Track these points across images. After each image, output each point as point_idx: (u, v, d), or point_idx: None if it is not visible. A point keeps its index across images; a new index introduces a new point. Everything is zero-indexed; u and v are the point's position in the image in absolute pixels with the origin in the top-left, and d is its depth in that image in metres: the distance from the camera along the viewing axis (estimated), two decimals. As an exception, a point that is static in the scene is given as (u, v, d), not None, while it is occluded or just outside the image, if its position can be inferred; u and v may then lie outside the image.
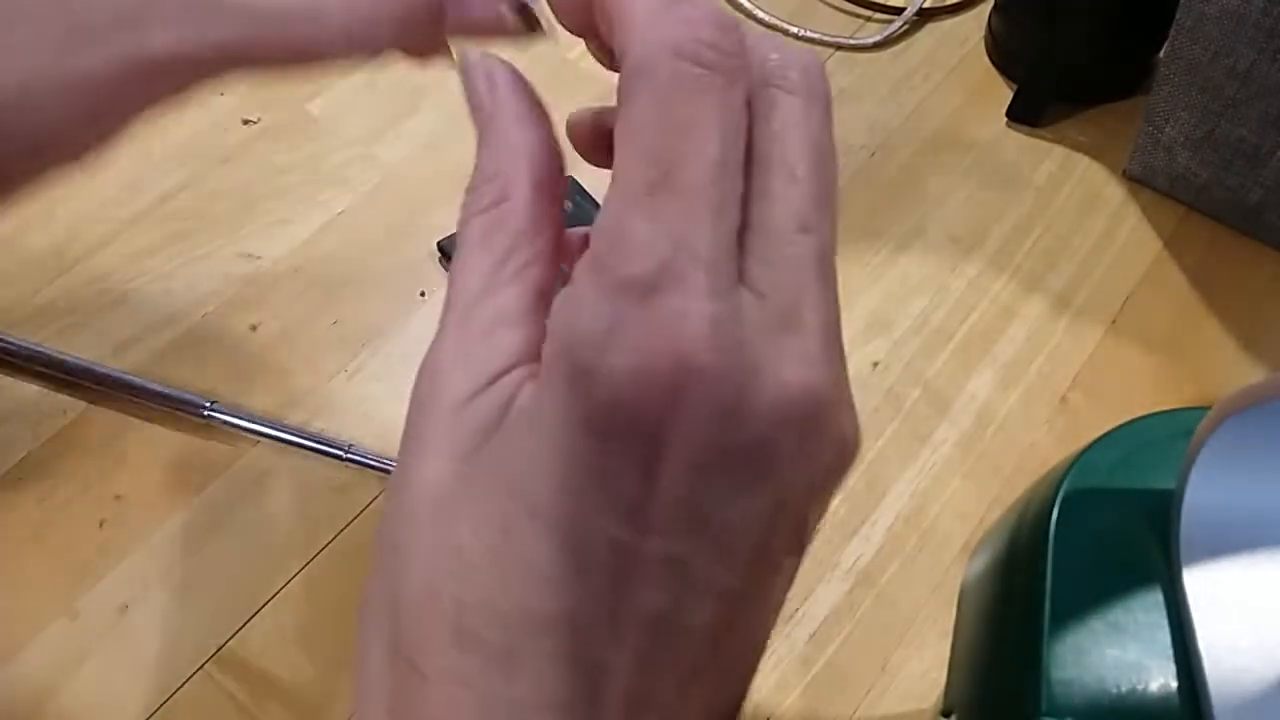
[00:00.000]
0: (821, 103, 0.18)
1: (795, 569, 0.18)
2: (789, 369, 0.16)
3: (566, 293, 0.17)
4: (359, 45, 0.25)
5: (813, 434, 0.16)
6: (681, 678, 0.17)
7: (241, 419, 0.46)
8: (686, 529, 0.16)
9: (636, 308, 0.16)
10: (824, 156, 0.18)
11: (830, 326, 0.17)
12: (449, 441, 0.18)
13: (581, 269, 0.17)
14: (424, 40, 0.26)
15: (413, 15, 0.25)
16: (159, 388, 0.46)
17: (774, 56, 0.18)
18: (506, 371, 0.18)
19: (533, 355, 0.18)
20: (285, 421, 0.46)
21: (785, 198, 0.17)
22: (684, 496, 0.16)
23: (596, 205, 0.53)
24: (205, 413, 0.46)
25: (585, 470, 0.16)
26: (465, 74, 0.21)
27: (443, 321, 0.19)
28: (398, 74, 0.60)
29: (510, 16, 0.24)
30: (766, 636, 0.19)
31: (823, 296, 0.17)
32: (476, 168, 0.20)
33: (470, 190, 0.20)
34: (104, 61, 0.24)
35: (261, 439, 0.46)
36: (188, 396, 0.46)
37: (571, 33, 0.21)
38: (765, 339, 0.16)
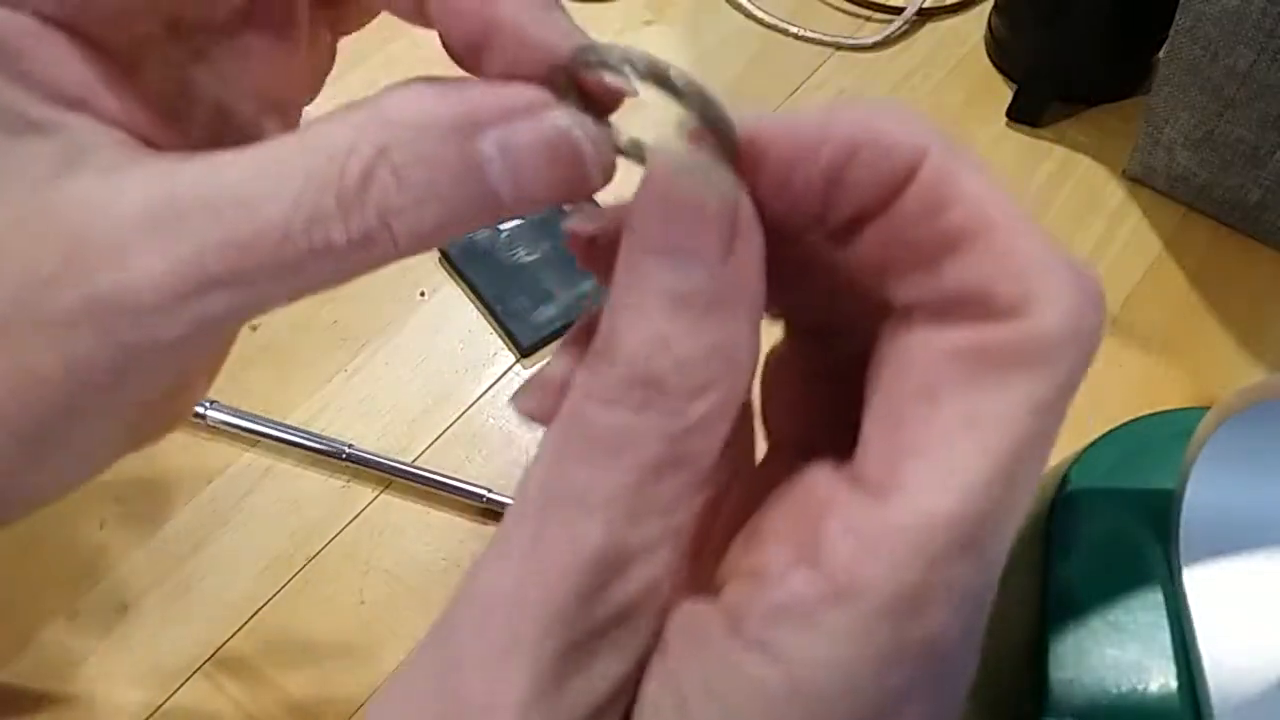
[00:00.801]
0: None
1: None
2: None
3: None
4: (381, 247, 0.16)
5: None
6: None
7: (240, 419, 0.46)
8: None
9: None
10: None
11: None
12: None
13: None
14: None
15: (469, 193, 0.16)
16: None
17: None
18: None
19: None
20: (285, 421, 0.46)
21: None
22: None
23: (595, 204, 0.53)
24: (204, 413, 0.45)
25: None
26: (668, 185, 0.14)
27: (521, 579, 0.14)
28: (397, 73, 0.60)
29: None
30: None
31: None
32: (653, 353, 0.14)
33: (641, 383, 0.14)
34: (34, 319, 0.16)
35: (261, 439, 0.46)
36: (187, 396, 0.46)
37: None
38: None
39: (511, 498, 0.44)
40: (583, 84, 0.16)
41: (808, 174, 0.15)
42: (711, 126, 0.15)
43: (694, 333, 0.14)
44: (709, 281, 0.14)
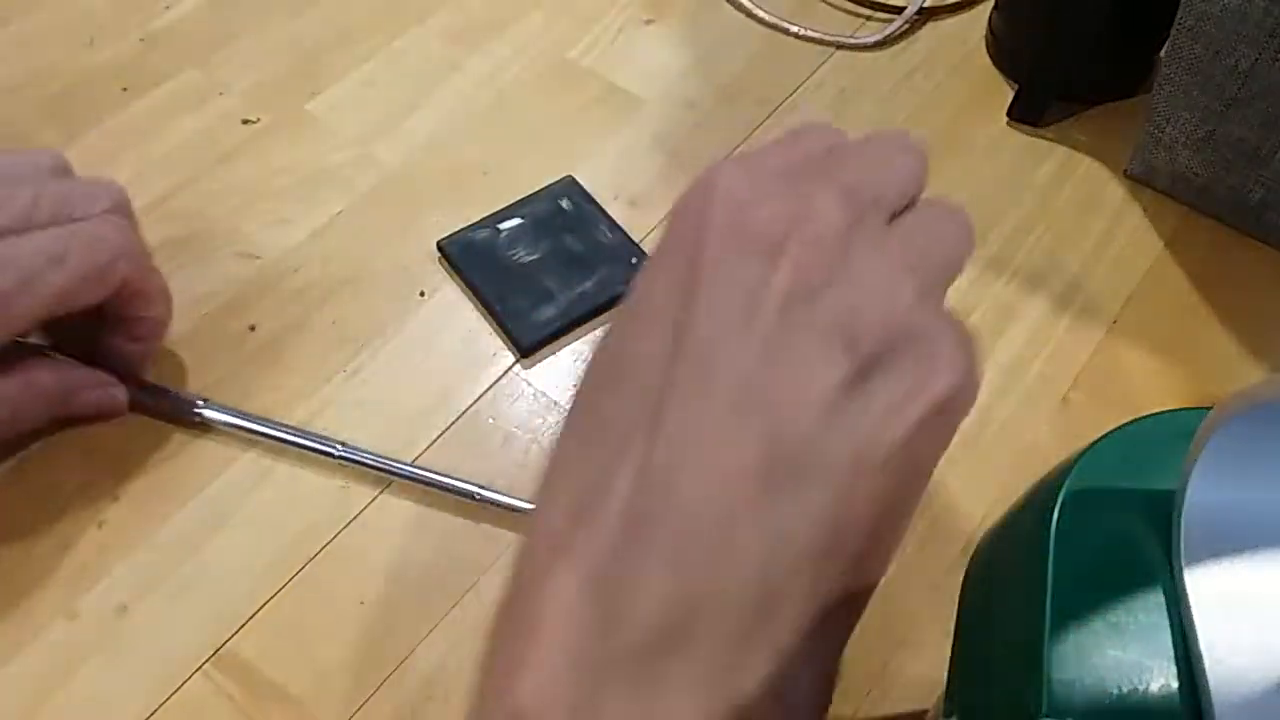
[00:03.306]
0: None
1: None
2: None
3: None
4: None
5: None
6: None
7: (239, 419, 0.46)
8: None
9: None
10: None
11: None
12: None
13: None
14: None
15: None
16: (156, 387, 0.46)
17: None
18: None
19: None
20: (285, 422, 0.46)
21: None
22: None
23: (595, 204, 0.53)
24: (195, 411, 0.45)
25: None
26: None
27: None
28: (397, 73, 0.60)
29: None
30: None
31: None
32: None
33: None
34: None
35: (260, 439, 0.46)
36: (182, 396, 0.46)
37: None
38: None
39: (510, 497, 0.44)
40: None
41: None
42: None
43: None
44: None
